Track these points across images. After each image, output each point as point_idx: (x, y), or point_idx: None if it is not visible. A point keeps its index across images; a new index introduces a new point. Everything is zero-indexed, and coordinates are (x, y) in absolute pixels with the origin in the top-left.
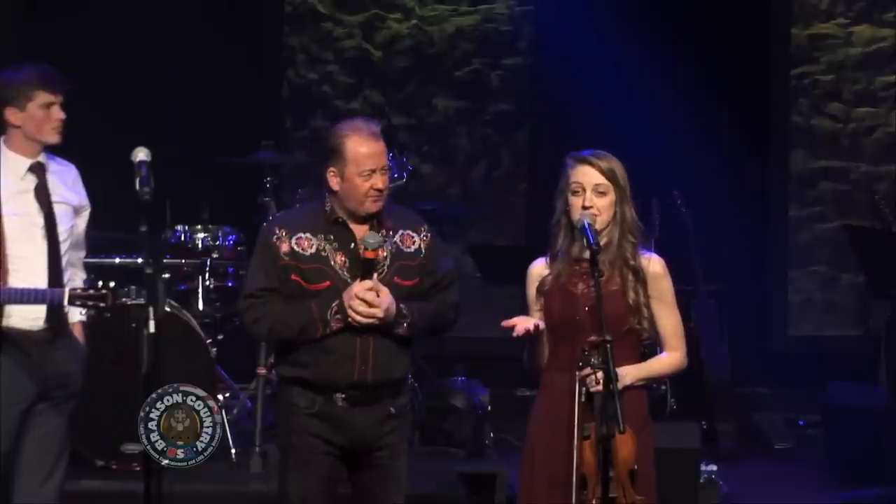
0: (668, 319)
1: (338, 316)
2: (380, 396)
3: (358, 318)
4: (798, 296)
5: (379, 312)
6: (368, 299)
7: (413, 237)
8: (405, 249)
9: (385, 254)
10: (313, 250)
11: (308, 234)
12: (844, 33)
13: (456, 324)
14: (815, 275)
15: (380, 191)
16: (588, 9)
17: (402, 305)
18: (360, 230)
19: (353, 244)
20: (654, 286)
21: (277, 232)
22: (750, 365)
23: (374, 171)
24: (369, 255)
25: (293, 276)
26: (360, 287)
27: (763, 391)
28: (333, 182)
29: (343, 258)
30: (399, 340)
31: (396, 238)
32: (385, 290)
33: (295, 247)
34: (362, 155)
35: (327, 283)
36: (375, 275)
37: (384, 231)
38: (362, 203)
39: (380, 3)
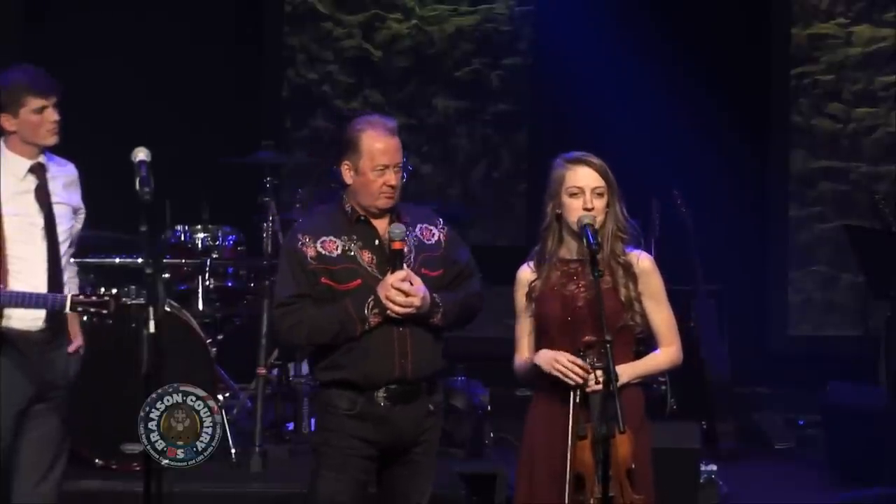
0: (661, 315)
1: (375, 310)
2: (419, 392)
3: (396, 308)
4: (798, 296)
5: (416, 301)
6: (405, 289)
7: (432, 230)
8: (427, 242)
9: (409, 247)
10: (339, 251)
11: (331, 237)
12: (844, 33)
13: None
14: (815, 275)
15: (392, 187)
16: (588, 9)
17: (434, 295)
18: (381, 226)
19: (377, 241)
20: (644, 282)
21: (301, 238)
22: (750, 365)
23: (387, 167)
24: (397, 245)
25: (323, 280)
26: (394, 278)
27: (763, 391)
28: (347, 175)
29: (370, 255)
30: (433, 333)
31: (417, 232)
32: (418, 280)
33: (321, 250)
34: (377, 150)
35: (358, 281)
36: (406, 265)
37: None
38: (374, 199)
39: (380, 3)
